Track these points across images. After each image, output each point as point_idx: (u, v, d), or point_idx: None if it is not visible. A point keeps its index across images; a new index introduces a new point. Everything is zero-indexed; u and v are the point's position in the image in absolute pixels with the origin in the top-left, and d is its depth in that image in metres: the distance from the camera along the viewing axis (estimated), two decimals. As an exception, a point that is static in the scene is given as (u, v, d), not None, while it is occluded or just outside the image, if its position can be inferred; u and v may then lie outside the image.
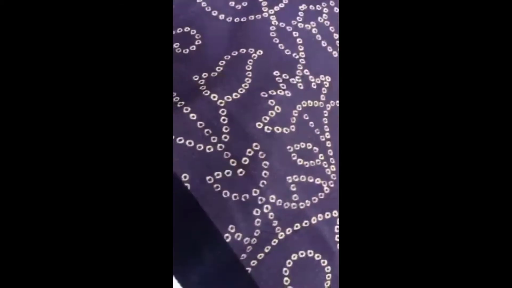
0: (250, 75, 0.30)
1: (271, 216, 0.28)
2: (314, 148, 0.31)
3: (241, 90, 0.30)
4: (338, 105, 0.34)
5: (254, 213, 0.28)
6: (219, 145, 0.28)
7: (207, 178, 0.28)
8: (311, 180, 0.30)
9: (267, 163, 0.28)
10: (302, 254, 0.29)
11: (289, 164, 0.29)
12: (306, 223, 0.29)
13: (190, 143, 0.28)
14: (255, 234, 0.28)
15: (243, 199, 0.28)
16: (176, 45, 0.32)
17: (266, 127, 0.29)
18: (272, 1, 0.34)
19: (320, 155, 0.31)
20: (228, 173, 0.28)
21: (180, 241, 0.28)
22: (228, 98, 0.29)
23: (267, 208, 0.28)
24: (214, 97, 0.29)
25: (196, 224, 0.28)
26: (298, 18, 0.34)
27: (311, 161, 0.30)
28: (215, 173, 0.28)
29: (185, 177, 0.28)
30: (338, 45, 0.34)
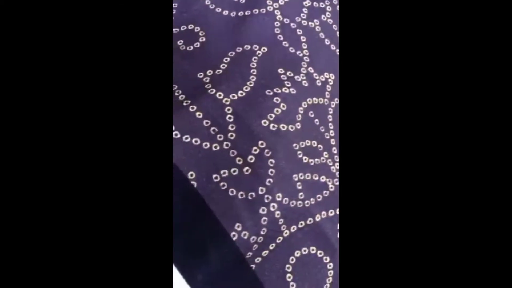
0: (254, 73, 0.30)
1: (278, 214, 0.28)
2: (319, 146, 0.31)
3: (246, 88, 0.30)
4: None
5: (261, 211, 0.28)
6: (225, 143, 0.28)
7: (214, 176, 0.28)
8: (316, 178, 0.30)
9: (273, 161, 0.28)
10: (305, 251, 0.29)
11: (295, 162, 0.29)
12: (310, 221, 0.29)
13: (196, 141, 0.28)
14: (262, 232, 0.28)
15: (249, 198, 0.28)
16: (180, 42, 0.32)
17: (271, 125, 0.29)
18: None
19: (325, 153, 0.31)
20: (234, 171, 0.28)
21: (187, 239, 0.28)
22: (233, 96, 0.29)
23: (273, 206, 0.28)
24: (219, 95, 0.29)
25: (202, 222, 0.28)
26: (302, 14, 0.34)
27: (316, 159, 0.30)
28: (221, 171, 0.28)
29: (191, 175, 0.28)
30: None
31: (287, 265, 0.29)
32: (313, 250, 0.29)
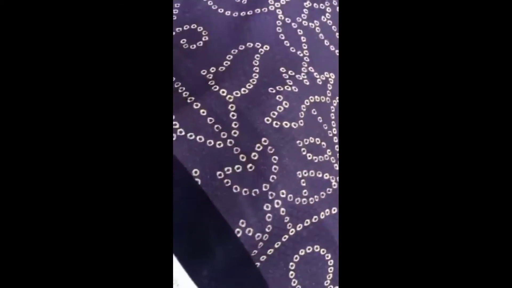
0: (257, 71, 0.30)
1: (283, 211, 0.28)
2: (322, 143, 0.31)
3: (249, 85, 0.30)
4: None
5: (265, 208, 0.28)
6: (228, 140, 0.29)
7: (218, 173, 0.28)
8: (320, 175, 0.30)
9: (277, 158, 0.29)
10: (309, 249, 0.29)
11: (298, 159, 0.29)
12: (315, 219, 0.29)
13: (200, 138, 0.28)
14: (267, 230, 0.28)
15: (253, 194, 0.28)
16: (183, 41, 0.32)
17: (274, 122, 0.29)
18: None
19: (328, 150, 0.31)
20: (238, 168, 0.28)
21: (191, 236, 0.28)
22: (236, 94, 0.29)
23: (277, 203, 0.28)
24: (223, 92, 0.29)
25: (206, 219, 0.28)
26: (302, 15, 0.34)
27: (320, 156, 0.30)
28: (225, 169, 0.28)
29: (195, 172, 0.28)
30: None
31: (291, 263, 0.29)
32: (316, 248, 0.29)
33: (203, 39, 0.32)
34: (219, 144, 0.28)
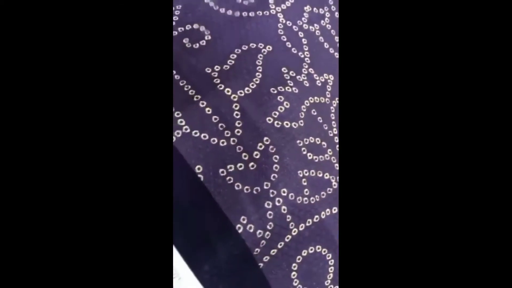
0: (260, 70, 0.31)
1: (284, 210, 0.29)
2: (323, 143, 0.32)
3: (253, 85, 0.30)
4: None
5: (266, 205, 0.29)
6: (232, 139, 0.29)
7: (220, 171, 0.29)
8: (320, 175, 0.31)
9: (278, 157, 0.29)
10: (311, 250, 0.30)
11: (299, 159, 0.30)
12: (317, 218, 0.30)
13: (205, 136, 0.29)
14: (268, 227, 0.28)
15: (254, 192, 0.29)
16: (185, 40, 0.32)
17: (276, 122, 0.30)
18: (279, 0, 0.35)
19: (329, 150, 0.32)
20: (240, 166, 0.29)
21: (193, 231, 0.28)
22: (240, 93, 0.30)
23: (279, 201, 0.29)
24: (228, 91, 0.30)
25: (209, 215, 0.28)
26: (303, 19, 0.35)
27: (320, 156, 0.31)
28: (228, 166, 0.29)
29: (198, 168, 0.28)
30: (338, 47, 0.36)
31: (294, 264, 0.29)
32: (318, 248, 0.30)
33: (206, 38, 0.32)
34: (223, 142, 0.29)
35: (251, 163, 0.29)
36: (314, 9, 0.36)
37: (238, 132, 0.29)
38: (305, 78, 0.33)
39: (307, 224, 0.30)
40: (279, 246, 0.29)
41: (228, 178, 0.29)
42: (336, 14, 0.36)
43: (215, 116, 0.29)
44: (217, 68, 0.31)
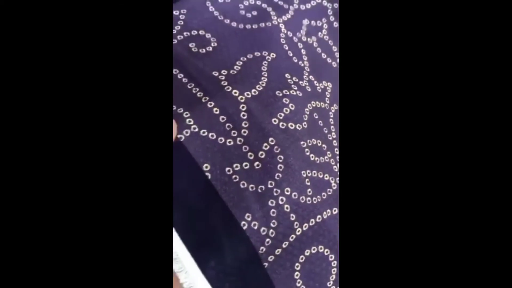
0: (265, 75, 0.32)
1: (287, 208, 0.30)
2: (323, 145, 0.33)
3: (259, 87, 0.32)
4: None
5: (270, 204, 0.29)
6: (238, 139, 0.30)
7: (227, 169, 0.30)
8: (321, 176, 0.32)
9: (282, 157, 0.30)
10: (314, 250, 0.30)
11: (302, 159, 0.31)
12: (319, 218, 0.31)
13: (212, 136, 0.30)
14: (272, 225, 0.29)
15: (259, 190, 0.30)
16: (191, 44, 0.33)
17: (281, 123, 0.31)
18: (280, 12, 0.37)
19: (328, 152, 0.33)
20: (246, 165, 0.30)
21: (200, 227, 0.29)
22: (247, 94, 0.31)
23: (282, 200, 0.30)
24: (235, 92, 0.31)
25: (215, 212, 0.29)
26: (301, 31, 0.37)
27: (321, 157, 0.32)
28: (234, 165, 0.30)
29: (206, 167, 0.29)
30: (337, 56, 0.38)
31: (297, 264, 0.30)
32: (321, 248, 0.31)
33: (212, 44, 0.34)
34: (229, 142, 0.30)
35: (257, 162, 0.30)
36: (312, 22, 0.37)
37: (244, 132, 0.30)
38: (307, 84, 0.34)
39: (311, 224, 0.30)
40: (284, 246, 0.29)
41: (234, 176, 0.30)
42: (335, 24, 0.38)
43: (223, 116, 0.30)
44: (224, 72, 0.32)
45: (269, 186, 0.30)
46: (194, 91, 0.31)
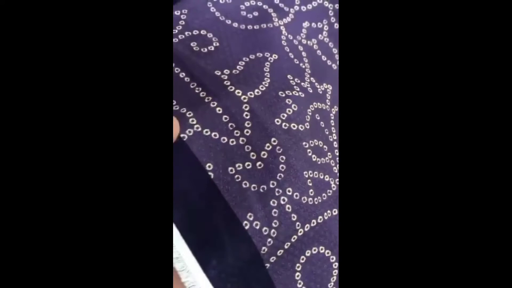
0: (268, 76, 0.33)
1: (288, 208, 0.30)
2: (324, 146, 0.33)
3: (262, 87, 0.32)
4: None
5: (271, 203, 0.30)
6: (241, 138, 0.30)
7: (229, 168, 0.30)
8: (322, 177, 0.32)
9: (284, 157, 0.30)
10: (315, 250, 0.30)
11: (304, 160, 0.31)
12: (320, 219, 0.31)
13: (215, 135, 0.30)
14: (274, 225, 0.29)
15: (261, 190, 0.30)
16: (193, 44, 0.33)
17: (283, 124, 0.31)
18: (281, 14, 0.37)
19: (329, 153, 0.33)
20: (248, 165, 0.30)
21: (202, 227, 0.29)
22: (250, 94, 0.31)
23: (283, 200, 0.30)
24: (238, 92, 0.31)
25: (217, 212, 0.29)
26: (302, 34, 0.37)
27: (322, 158, 0.33)
28: (237, 165, 0.30)
29: (209, 166, 0.29)
30: (337, 58, 0.38)
31: (298, 264, 0.30)
32: (322, 249, 0.31)
33: (214, 44, 0.34)
34: (232, 142, 0.30)
35: (259, 162, 0.30)
36: (313, 24, 0.38)
37: (247, 132, 0.30)
38: (308, 85, 0.34)
39: (312, 225, 0.30)
40: (286, 247, 0.29)
41: (236, 176, 0.30)
42: (336, 26, 0.38)
43: (226, 116, 0.30)
44: (226, 71, 0.32)
45: (271, 186, 0.30)
46: (196, 91, 0.31)
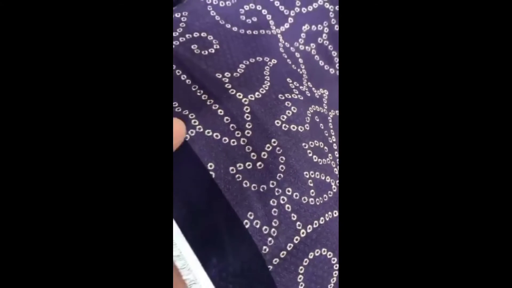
0: (268, 79, 0.33)
1: (288, 208, 0.30)
2: (325, 147, 0.34)
3: (262, 90, 0.32)
4: (337, 114, 0.38)
5: (271, 203, 0.30)
6: (242, 139, 0.31)
7: (230, 168, 0.30)
8: (323, 178, 0.32)
9: (284, 158, 0.31)
10: (317, 252, 0.31)
11: (305, 160, 0.31)
12: (322, 220, 0.31)
13: (217, 136, 0.30)
14: (274, 224, 0.30)
15: (261, 190, 0.30)
16: (194, 46, 0.34)
17: (283, 125, 0.32)
18: (279, 20, 0.37)
19: (329, 154, 0.34)
20: (248, 165, 0.31)
21: (203, 225, 0.29)
22: (251, 97, 0.32)
23: (283, 199, 0.30)
24: (239, 95, 0.32)
25: (218, 210, 0.30)
26: (300, 40, 0.38)
27: (323, 159, 0.33)
28: (237, 165, 0.30)
29: (210, 166, 0.30)
30: (336, 61, 0.39)
31: (301, 267, 0.30)
32: (324, 251, 0.31)
33: (215, 47, 0.34)
34: (233, 142, 0.31)
35: (259, 163, 0.31)
36: (313, 26, 0.38)
37: (248, 133, 0.31)
38: (307, 89, 0.35)
39: (315, 226, 0.31)
40: (289, 248, 0.30)
41: (237, 175, 0.30)
42: (336, 27, 0.39)
43: (227, 117, 0.31)
44: (227, 74, 0.33)
45: (271, 186, 0.30)
46: (198, 93, 0.32)
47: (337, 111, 0.38)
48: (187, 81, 0.33)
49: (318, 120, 0.34)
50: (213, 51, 0.34)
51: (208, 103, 0.31)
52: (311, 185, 0.31)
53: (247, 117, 0.31)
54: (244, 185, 0.30)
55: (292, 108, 0.33)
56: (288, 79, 0.34)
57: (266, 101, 0.32)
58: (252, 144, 0.31)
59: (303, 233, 0.30)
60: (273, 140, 0.31)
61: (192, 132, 0.30)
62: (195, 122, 0.30)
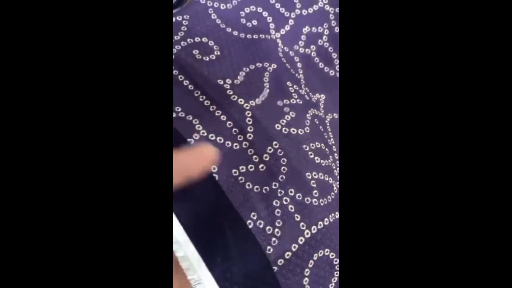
0: (267, 86, 0.34)
1: (291, 208, 0.31)
2: (326, 149, 0.35)
3: (263, 97, 0.33)
4: (335, 117, 0.39)
5: (274, 204, 0.31)
6: (244, 143, 0.32)
7: (233, 171, 0.31)
8: (326, 179, 0.33)
9: (285, 159, 0.32)
10: (321, 253, 0.31)
11: (306, 161, 0.32)
12: (326, 221, 0.32)
13: (220, 140, 0.31)
14: (277, 224, 0.30)
15: (264, 191, 0.31)
16: (195, 51, 0.35)
17: (283, 129, 0.33)
18: (279, 23, 0.38)
19: (330, 156, 0.35)
20: (251, 167, 0.31)
21: (208, 226, 0.30)
22: (252, 103, 0.33)
23: (286, 200, 0.31)
24: (241, 101, 0.33)
25: (222, 211, 0.30)
26: (300, 42, 0.38)
27: (326, 161, 0.34)
28: (240, 167, 0.31)
29: (214, 169, 0.31)
30: (336, 63, 0.40)
31: (306, 269, 0.30)
32: (327, 252, 0.31)
33: (216, 53, 0.35)
34: (236, 146, 0.32)
35: (261, 165, 0.32)
36: (313, 28, 0.39)
37: (250, 136, 0.32)
38: (305, 93, 0.36)
39: (319, 227, 0.31)
40: (293, 249, 0.30)
41: (240, 178, 0.31)
42: (336, 29, 0.39)
43: (229, 122, 0.32)
44: (228, 81, 0.34)
45: (273, 187, 0.31)
46: (201, 99, 0.33)
47: (335, 114, 0.38)
48: (189, 86, 0.34)
49: (317, 122, 0.35)
50: (214, 57, 0.35)
51: (211, 109, 0.32)
52: (314, 185, 0.32)
53: (249, 121, 0.32)
54: (247, 187, 0.31)
55: (291, 113, 0.34)
56: (288, 83, 0.35)
57: (266, 107, 0.33)
58: (254, 147, 0.32)
59: (307, 233, 0.31)
60: (274, 142, 0.32)
61: (196, 136, 0.31)
62: (198, 127, 0.31)
